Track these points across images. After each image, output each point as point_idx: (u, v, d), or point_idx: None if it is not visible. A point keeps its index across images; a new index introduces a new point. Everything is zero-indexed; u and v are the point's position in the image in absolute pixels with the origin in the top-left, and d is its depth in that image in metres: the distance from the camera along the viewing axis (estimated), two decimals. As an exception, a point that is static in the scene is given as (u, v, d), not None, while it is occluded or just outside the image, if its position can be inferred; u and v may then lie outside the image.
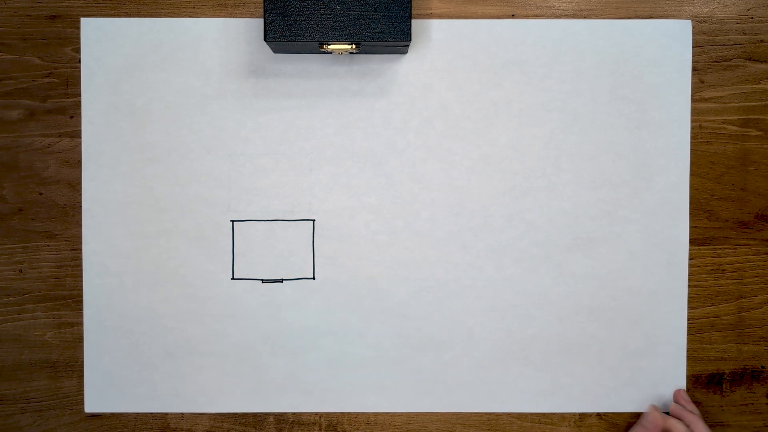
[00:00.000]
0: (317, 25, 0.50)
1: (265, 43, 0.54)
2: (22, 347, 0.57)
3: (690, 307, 0.57)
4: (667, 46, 0.56)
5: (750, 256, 0.57)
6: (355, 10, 0.50)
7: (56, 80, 0.56)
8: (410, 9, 0.51)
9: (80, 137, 0.56)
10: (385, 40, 0.51)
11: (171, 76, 0.56)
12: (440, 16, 0.56)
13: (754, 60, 0.57)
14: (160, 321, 0.57)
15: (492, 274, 0.57)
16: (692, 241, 0.57)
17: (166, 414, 0.57)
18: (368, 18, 0.50)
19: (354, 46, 0.51)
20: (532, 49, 0.56)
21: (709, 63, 0.57)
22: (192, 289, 0.57)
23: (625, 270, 0.57)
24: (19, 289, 0.57)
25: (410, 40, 0.51)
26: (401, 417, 0.58)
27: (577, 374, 0.57)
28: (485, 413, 0.57)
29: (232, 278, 0.57)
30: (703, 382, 0.58)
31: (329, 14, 0.50)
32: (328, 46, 0.51)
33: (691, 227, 0.57)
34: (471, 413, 0.57)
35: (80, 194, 0.57)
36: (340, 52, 0.52)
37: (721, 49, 0.57)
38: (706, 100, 0.57)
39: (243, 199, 0.57)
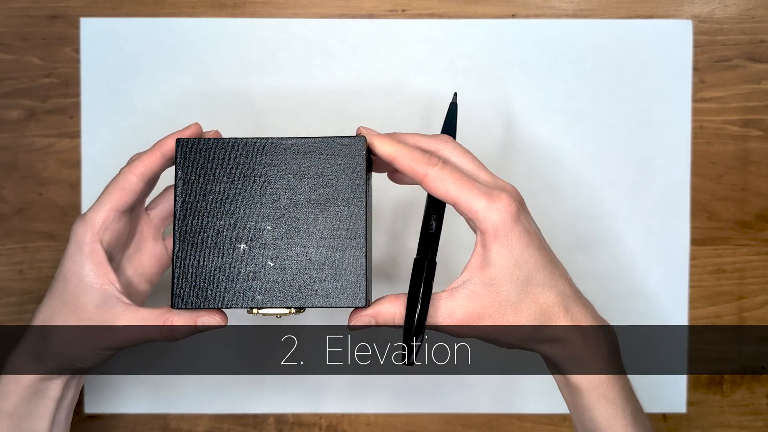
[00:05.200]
0: (242, 287, 0.39)
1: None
2: (22, 347, 0.57)
3: (690, 308, 0.57)
4: (668, 46, 0.56)
5: (750, 257, 0.57)
6: (292, 267, 0.39)
7: (56, 80, 0.56)
8: (366, 271, 0.39)
9: (80, 137, 0.56)
10: (333, 306, 0.39)
11: (171, 76, 0.56)
12: (440, 16, 0.56)
13: (754, 60, 0.57)
14: (160, 321, 0.57)
15: (492, 274, 0.57)
16: (693, 242, 0.57)
17: (166, 414, 0.57)
18: (310, 278, 0.39)
19: (294, 311, 0.39)
20: (532, 49, 0.56)
21: (710, 63, 0.57)
22: (192, 289, 0.57)
23: (625, 270, 0.57)
24: (19, 289, 0.57)
25: (366, 304, 0.39)
26: (401, 418, 0.58)
27: (577, 374, 0.57)
28: (485, 414, 0.57)
29: (232, 278, 0.57)
30: (704, 383, 0.58)
31: (258, 273, 0.39)
32: (260, 311, 0.40)
33: (691, 227, 0.57)
34: (471, 414, 0.57)
35: (80, 194, 0.57)
36: (278, 316, 0.40)
37: (721, 49, 0.57)
38: (706, 100, 0.57)
39: (243, 199, 0.57)
